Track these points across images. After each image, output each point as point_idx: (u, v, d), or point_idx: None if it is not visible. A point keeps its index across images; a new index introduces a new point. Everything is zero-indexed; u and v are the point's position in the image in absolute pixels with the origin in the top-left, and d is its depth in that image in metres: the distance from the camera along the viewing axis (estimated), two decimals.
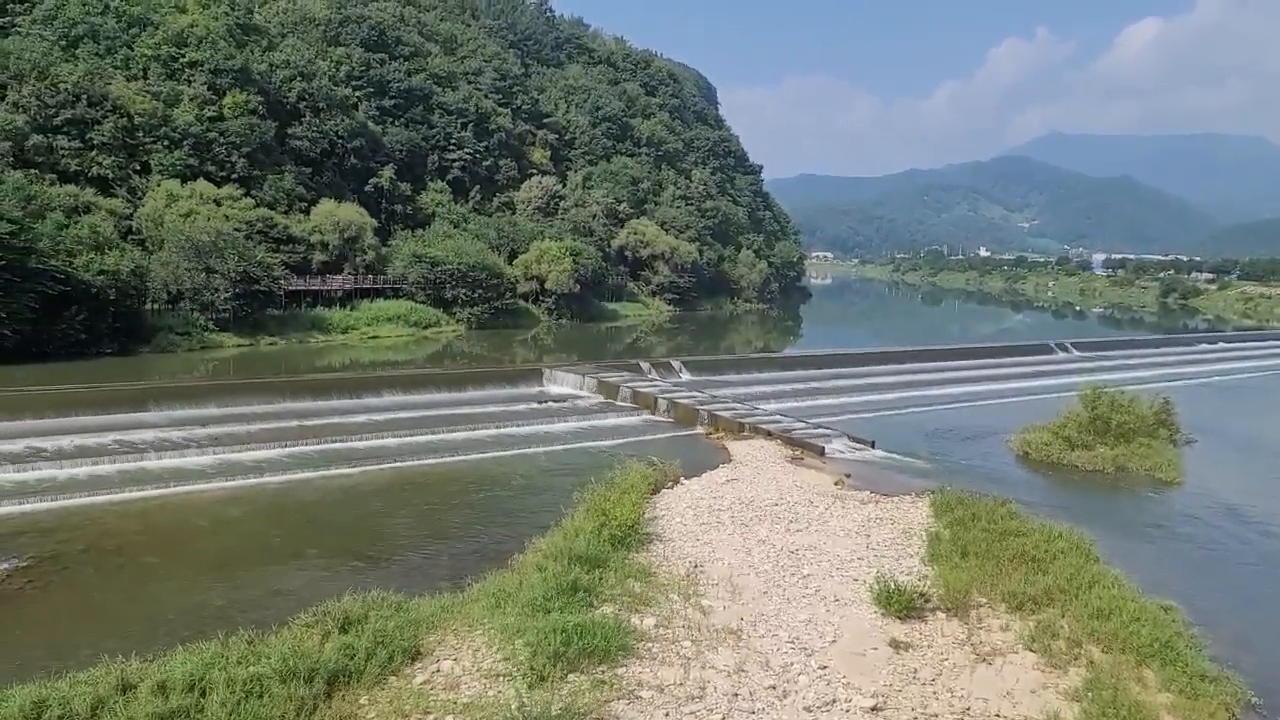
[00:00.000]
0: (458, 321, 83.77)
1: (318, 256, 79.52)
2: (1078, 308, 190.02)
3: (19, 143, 67.51)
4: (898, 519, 26.35)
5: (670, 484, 29.62)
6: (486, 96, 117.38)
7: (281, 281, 71.78)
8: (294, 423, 38.03)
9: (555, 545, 21.24)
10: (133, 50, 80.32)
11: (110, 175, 71.94)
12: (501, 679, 15.04)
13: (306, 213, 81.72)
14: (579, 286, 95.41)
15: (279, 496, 29.38)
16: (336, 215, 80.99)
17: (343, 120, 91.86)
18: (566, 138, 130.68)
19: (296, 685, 14.10)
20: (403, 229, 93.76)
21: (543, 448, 37.26)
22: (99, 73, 74.73)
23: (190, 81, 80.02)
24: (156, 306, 63.98)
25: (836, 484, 30.97)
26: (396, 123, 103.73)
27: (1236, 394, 64.32)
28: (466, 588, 19.36)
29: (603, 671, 15.34)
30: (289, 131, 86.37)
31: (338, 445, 35.35)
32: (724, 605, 19.18)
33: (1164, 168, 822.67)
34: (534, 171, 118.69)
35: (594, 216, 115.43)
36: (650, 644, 16.73)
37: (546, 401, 46.36)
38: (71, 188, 67.73)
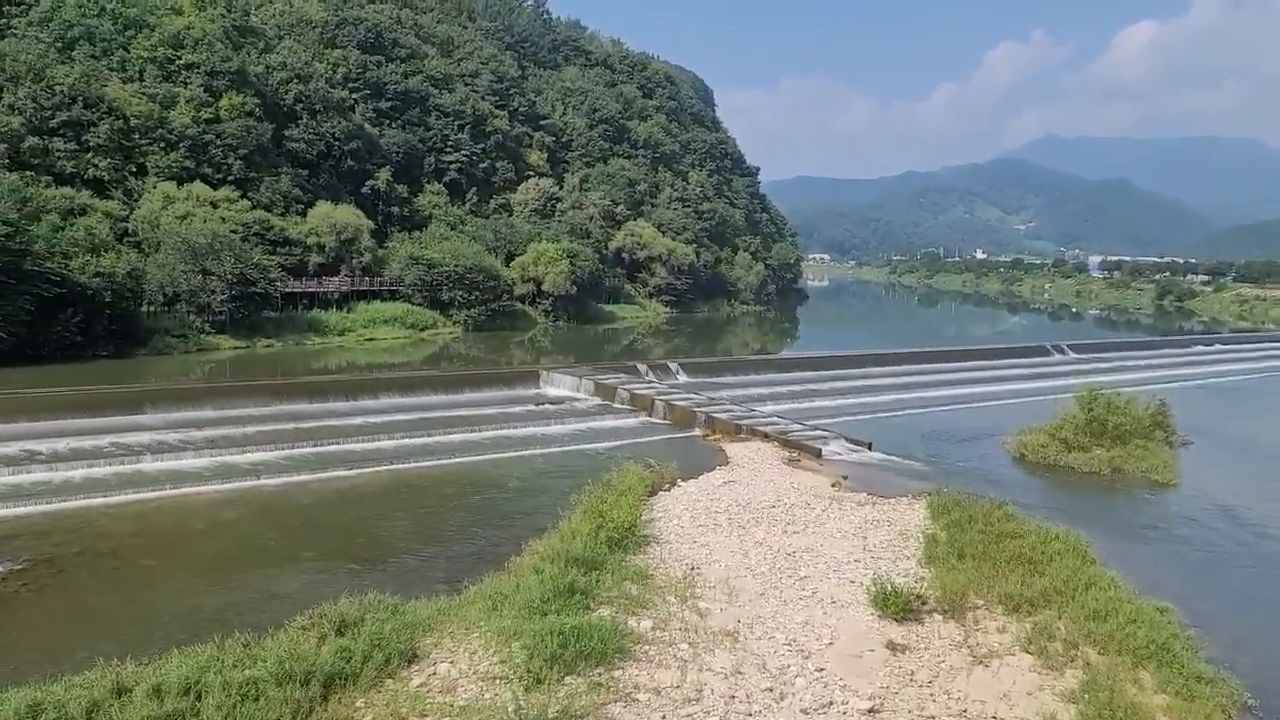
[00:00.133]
0: (454, 323, 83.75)
1: (314, 258, 79.47)
2: (1074, 310, 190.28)
3: (14, 145, 67.39)
4: (894, 521, 26.35)
5: (667, 486, 29.59)
6: (483, 98, 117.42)
7: (278, 284, 71.73)
8: (290, 425, 37.98)
9: (552, 547, 21.21)
10: (129, 52, 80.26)
11: (106, 177, 71.85)
12: (498, 682, 15.01)
13: (303, 215, 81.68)
14: (576, 288, 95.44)
15: (275, 499, 29.33)
16: (333, 217, 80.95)
17: (339, 122, 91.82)
18: (563, 140, 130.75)
19: (292, 688, 14.06)
20: (399, 231, 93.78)
21: (540, 450, 37.23)
22: (95, 75, 74.64)
23: (186, 83, 79.95)
24: (152, 309, 63.88)
25: (834, 486, 30.97)
26: (393, 125, 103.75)
27: (1232, 396, 64.42)
28: (463, 590, 19.32)
29: (599, 674, 15.31)
30: (286, 133, 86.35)
31: (334, 448, 35.31)
32: (721, 607, 19.16)
33: (1160, 170, 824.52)
34: (531, 173, 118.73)
35: (591, 218, 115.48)
36: (647, 646, 16.71)
37: (543, 404, 46.35)
38: (67, 190, 67.62)
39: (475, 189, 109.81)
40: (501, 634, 16.32)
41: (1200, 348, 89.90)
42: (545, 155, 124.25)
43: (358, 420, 39.81)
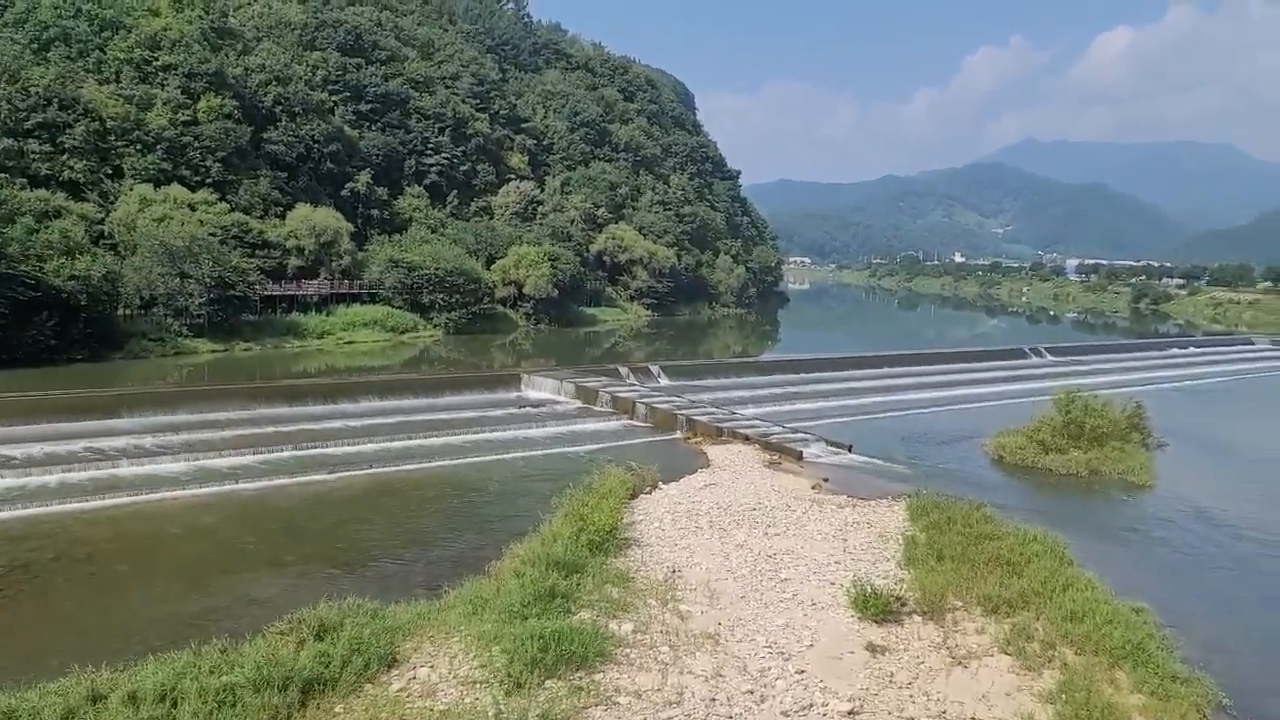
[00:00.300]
0: (435, 326, 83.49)
1: (293, 261, 79.04)
2: (1051, 313, 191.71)
3: None
4: (874, 523, 26.46)
5: (648, 489, 29.60)
6: (464, 101, 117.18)
7: (256, 287, 71.27)
8: (269, 429, 37.76)
9: (533, 551, 21.18)
10: (105, 53, 79.61)
11: (82, 179, 71.20)
12: (478, 686, 14.97)
13: (282, 217, 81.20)
14: (557, 291, 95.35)
15: (253, 503, 29.14)
16: (312, 220, 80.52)
17: (319, 125, 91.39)
18: (544, 143, 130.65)
19: (270, 694, 13.98)
20: (379, 234, 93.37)
21: (521, 453, 37.16)
22: (70, 76, 74.00)
23: (164, 85, 79.34)
24: (129, 312, 63.31)
25: (814, 488, 31.06)
26: (373, 127, 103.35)
27: (1207, 398, 65.08)
28: (443, 594, 19.27)
29: (580, 678, 15.30)
30: (264, 136, 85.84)
31: (313, 451, 35.10)
32: (702, 610, 19.18)
33: (1137, 175, 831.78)
34: (512, 176, 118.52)
35: (572, 221, 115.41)
36: (628, 650, 16.70)
37: (525, 407, 46.26)
38: (42, 192, 66.93)
39: (456, 192, 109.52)
40: (482, 638, 16.27)
41: (1175, 350, 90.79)
42: (526, 158, 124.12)
43: (337, 424, 39.59)
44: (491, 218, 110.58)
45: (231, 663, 15.12)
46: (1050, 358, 76.31)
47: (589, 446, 38.52)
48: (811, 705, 15.34)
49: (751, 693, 15.60)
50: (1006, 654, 17.51)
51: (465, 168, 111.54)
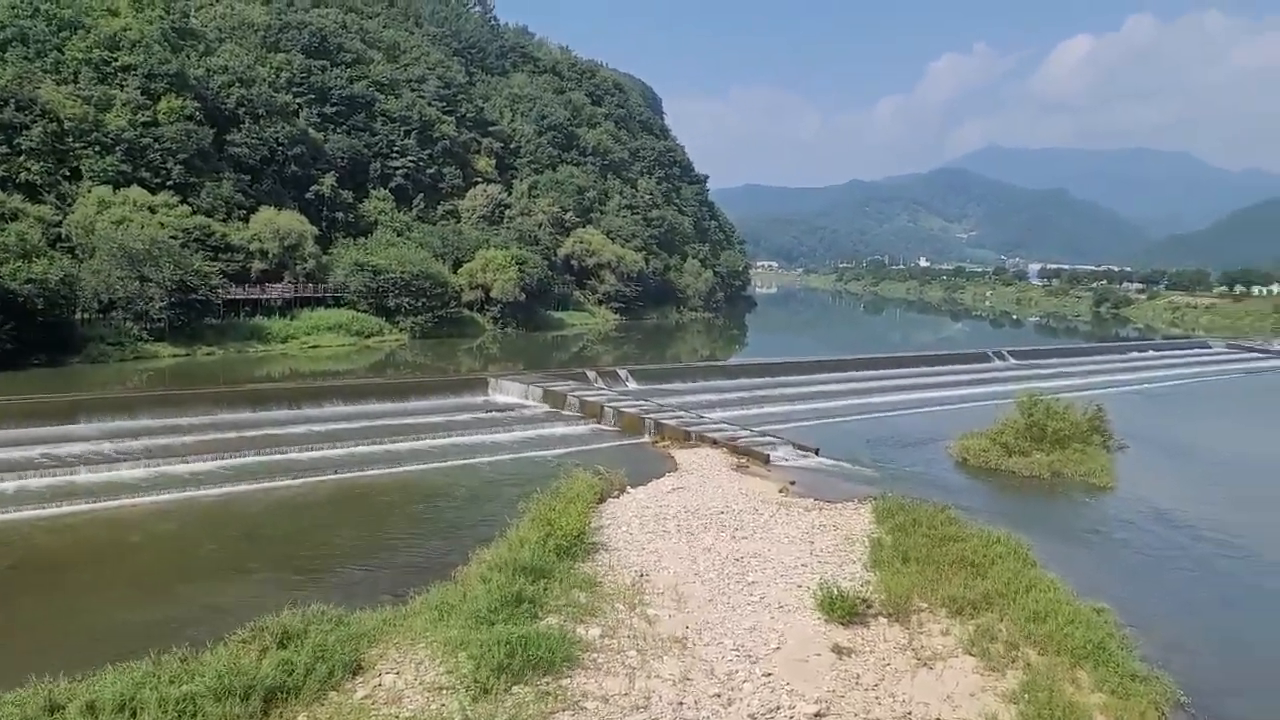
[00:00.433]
0: (400, 330, 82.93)
1: (257, 265, 78.16)
2: (1015, 317, 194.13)
3: None
4: (841, 525, 26.62)
5: (616, 493, 29.59)
6: (430, 104, 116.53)
7: (219, 290, 70.41)
8: (232, 434, 37.30)
9: (500, 556, 21.08)
10: (63, 54, 78.32)
11: (39, 181, 69.99)
12: (445, 692, 14.87)
13: (245, 220, 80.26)
14: (525, 295, 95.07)
15: (216, 509, 28.75)
16: (276, 223, 79.69)
17: (283, 127, 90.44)
18: (512, 146, 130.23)
19: (232, 703, 13.81)
20: (344, 237, 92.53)
21: (488, 458, 37.00)
22: (27, 76, 72.75)
23: (123, 86, 78.18)
24: (87, 316, 62.28)
25: (781, 491, 31.20)
26: (338, 130, 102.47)
27: (1165, 401, 66.15)
28: (409, 600, 19.13)
29: (547, 683, 15.25)
30: (227, 138, 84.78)
31: (277, 457, 34.71)
32: (669, 614, 19.18)
33: (1097, 181, 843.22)
34: (479, 180, 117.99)
35: (540, 225, 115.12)
36: (595, 654, 16.68)
37: (492, 411, 46.05)
38: None
39: (422, 195, 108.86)
40: (448, 644, 16.18)
41: (1135, 354, 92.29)
42: (493, 162, 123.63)
43: (301, 429, 39.17)
44: (458, 221, 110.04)
45: (192, 672, 14.90)
46: (1013, 361, 77.23)
47: (556, 451, 38.44)
48: (778, 708, 15.38)
49: (719, 696, 15.63)
50: (971, 655, 17.68)
51: (431, 171, 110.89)
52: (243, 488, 30.78)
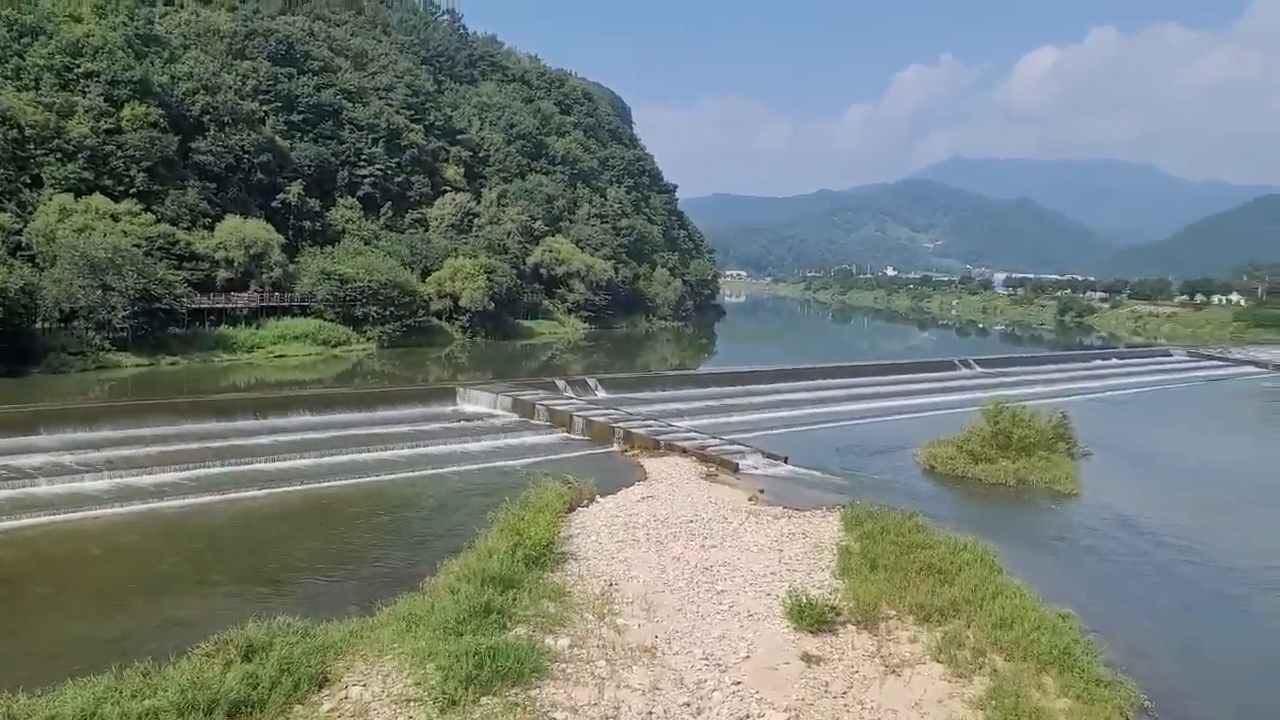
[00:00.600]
0: (368, 340, 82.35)
1: (222, 273, 77.36)
2: (980, 325, 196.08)
3: None
4: (810, 533, 26.72)
5: (586, 502, 29.53)
6: (398, 112, 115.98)
7: (183, 299, 69.58)
8: (196, 445, 36.82)
9: (468, 566, 20.96)
10: (24, 60, 77.13)
11: None
12: (412, 704, 14.74)
13: (211, 229, 79.43)
14: (493, 304, 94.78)
15: (179, 521, 28.36)
16: (242, 231, 78.93)
17: (249, 135, 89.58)
18: (480, 155, 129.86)
19: (195, 718, 13.65)
20: (311, 246, 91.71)
21: (456, 467, 36.77)
22: None
23: (85, 92, 77.17)
24: (48, 325, 61.26)
25: (750, 500, 31.27)
26: (305, 138, 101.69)
27: (1128, 408, 67.04)
28: (377, 612, 18.95)
29: (516, 694, 15.17)
30: (192, 145, 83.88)
31: (243, 467, 34.30)
32: (639, 623, 19.15)
33: (1062, 192, 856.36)
34: (447, 188, 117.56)
35: (509, 234, 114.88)
36: (564, 664, 16.61)
37: (460, 420, 45.81)
38: None
39: (390, 203, 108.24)
40: (416, 655, 16.05)
41: (1098, 362, 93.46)
42: (462, 170, 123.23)
43: (267, 439, 38.76)
44: (427, 230, 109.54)
45: (154, 686, 14.68)
46: (979, 369, 77.96)
47: (525, 460, 38.29)
48: (748, 716, 15.41)
49: (688, 705, 15.62)
50: (938, 661, 17.79)
51: (400, 179, 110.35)
52: (207, 499, 30.39)
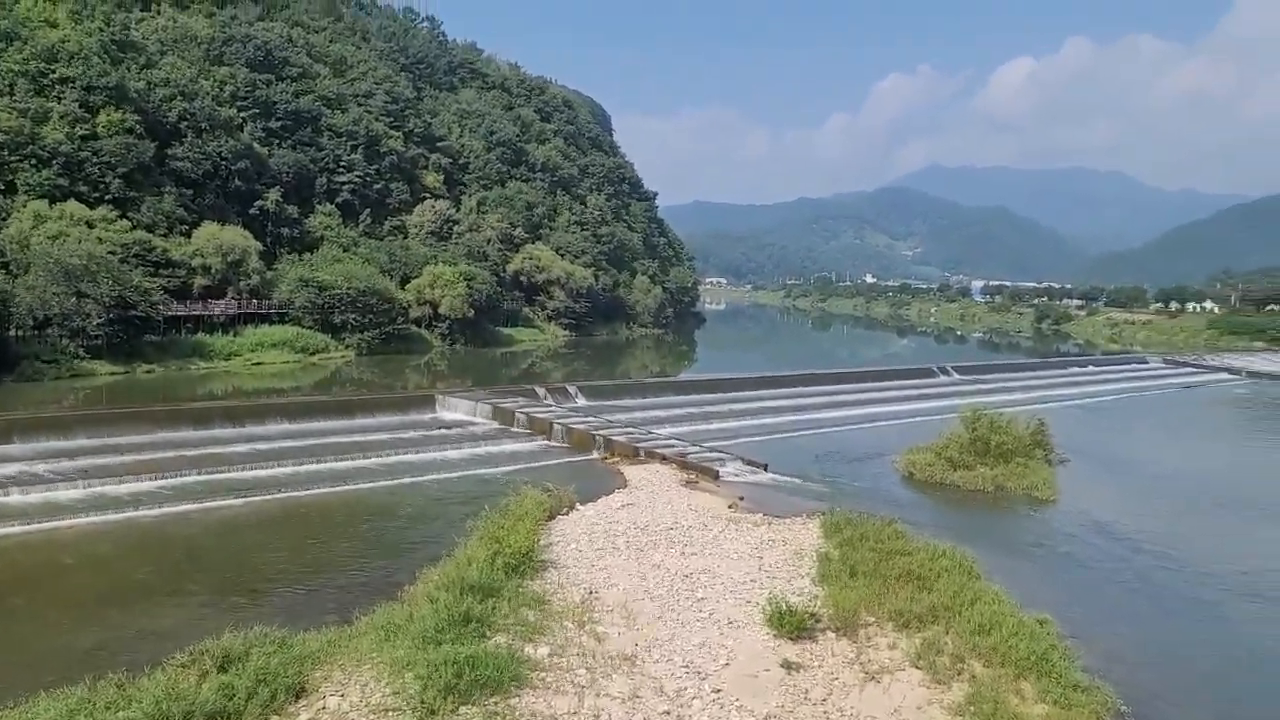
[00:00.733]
0: (347, 347, 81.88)
1: (199, 281, 76.75)
2: (958, 332, 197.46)
3: None
4: (789, 540, 26.75)
5: (565, 510, 29.47)
6: (377, 119, 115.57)
7: (160, 307, 68.92)
8: (172, 453, 36.51)
9: (447, 575, 20.85)
10: None
11: None
12: (391, 714, 14.64)
13: (188, 236, 78.78)
14: (473, 312, 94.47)
15: (155, 531, 28.07)
16: (219, 238, 78.33)
17: (227, 141, 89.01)
18: (460, 162, 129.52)
19: None
20: (290, 253, 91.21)
21: (435, 475, 36.63)
22: None
23: (60, 98, 76.43)
24: (21, 333, 60.47)
25: (730, 507, 31.28)
26: (284, 144, 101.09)
27: (1105, 415, 67.64)
28: (355, 621, 18.81)
29: (495, 703, 15.09)
30: (169, 152, 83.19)
31: (220, 476, 34.01)
32: (619, 631, 19.11)
33: (1038, 200, 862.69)
34: (427, 195, 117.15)
35: (489, 241, 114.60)
36: (544, 673, 16.54)
37: (439, 428, 45.63)
38: None
39: (369, 210, 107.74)
40: (394, 665, 15.94)
41: (1075, 369, 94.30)
42: (442, 177, 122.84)
43: (244, 448, 38.45)
44: (406, 237, 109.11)
45: (129, 698, 14.50)
46: (957, 376, 78.47)
47: (505, 468, 38.20)
48: None
49: (668, 713, 15.60)
50: (918, 668, 17.84)
51: (379, 186, 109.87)
52: (183, 508, 30.10)
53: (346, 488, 33.98)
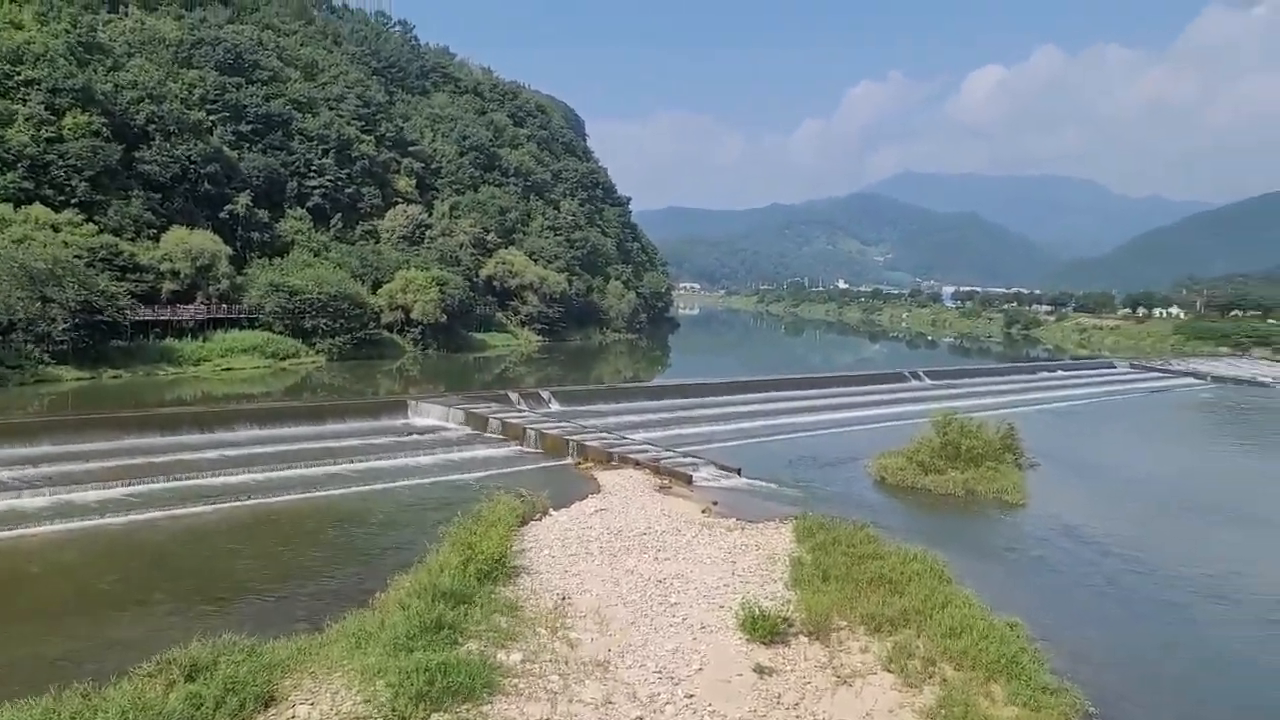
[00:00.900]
0: (318, 352, 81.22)
1: (168, 285, 75.85)
2: (930, 338, 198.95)
3: None
4: (762, 545, 26.83)
5: (539, 515, 29.37)
6: (349, 123, 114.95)
7: (127, 311, 68.05)
8: (140, 460, 36.00)
9: (419, 582, 20.72)
10: None
11: None
12: None
13: (156, 240, 77.84)
14: (446, 316, 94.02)
15: (122, 538, 27.69)
16: (188, 243, 77.50)
17: (196, 144, 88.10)
18: (433, 166, 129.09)
19: None
20: (260, 257, 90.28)
21: (407, 481, 36.40)
22: None
23: (25, 100, 75.37)
24: None
25: (704, 512, 31.32)
26: (254, 148, 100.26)
27: (1074, 419, 68.37)
28: (325, 629, 18.66)
29: (467, 710, 15.02)
30: (137, 155, 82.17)
31: (188, 482, 33.59)
32: (592, 637, 19.07)
33: (1008, 207, 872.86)
34: (399, 200, 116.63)
35: (461, 246, 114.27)
36: (516, 680, 16.48)
37: (412, 434, 45.36)
38: None
39: (340, 215, 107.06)
40: (365, 672, 15.82)
41: (1045, 374, 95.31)
42: (414, 182, 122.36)
43: (213, 454, 38.03)
44: (377, 241, 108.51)
45: (94, 708, 14.28)
46: (929, 381, 79.05)
47: (478, 474, 38.02)
48: None
49: (641, 719, 15.57)
50: (889, 672, 17.94)
51: (350, 190, 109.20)
52: (151, 515, 29.71)
53: (317, 494, 33.68)
